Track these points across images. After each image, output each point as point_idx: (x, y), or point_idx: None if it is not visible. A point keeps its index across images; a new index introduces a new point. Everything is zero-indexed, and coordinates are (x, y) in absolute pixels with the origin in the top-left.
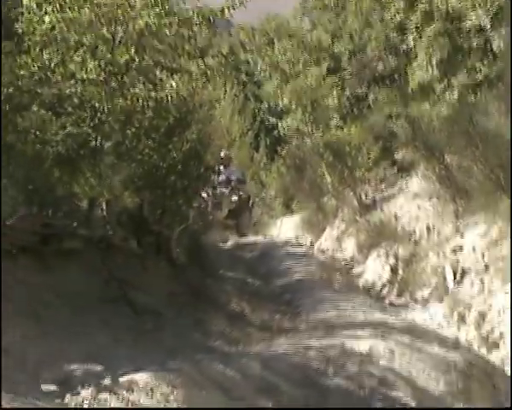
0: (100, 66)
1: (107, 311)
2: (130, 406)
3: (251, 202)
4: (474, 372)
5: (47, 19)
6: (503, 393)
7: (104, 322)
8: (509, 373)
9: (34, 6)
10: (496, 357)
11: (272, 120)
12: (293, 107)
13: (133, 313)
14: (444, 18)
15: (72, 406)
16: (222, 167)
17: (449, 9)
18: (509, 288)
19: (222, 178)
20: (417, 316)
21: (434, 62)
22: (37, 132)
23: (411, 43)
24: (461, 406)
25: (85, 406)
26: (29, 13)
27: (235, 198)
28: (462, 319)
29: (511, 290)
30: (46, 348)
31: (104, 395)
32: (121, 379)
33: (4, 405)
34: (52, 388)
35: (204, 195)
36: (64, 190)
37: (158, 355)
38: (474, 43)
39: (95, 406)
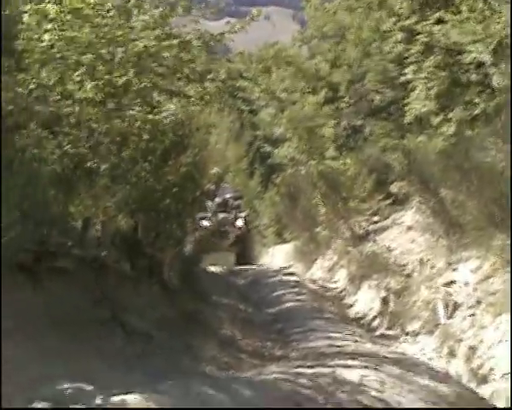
0: (98, 86)
1: (98, 332)
2: None
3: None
4: (463, 406)
5: (46, 37)
6: None
7: (95, 343)
8: (497, 407)
9: (34, 24)
10: (485, 391)
11: (267, 148)
12: (289, 135)
13: (124, 335)
14: (444, 51)
15: None
16: (213, 186)
17: (449, 43)
18: (499, 322)
19: (217, 200)
20: (408, 348)
21: (432, 95)
22: (34, 150)
23: (410, 76)
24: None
25: None
26: (29, 30)
27: (240, 223)
28: (452, 352)
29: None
30: (37, 368)
31: None
32: (112, 400)
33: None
34: (43, 406)
35: (205, 223)
36: (59, 209)
37: (148, 378)
38: (473, 78)
39: None
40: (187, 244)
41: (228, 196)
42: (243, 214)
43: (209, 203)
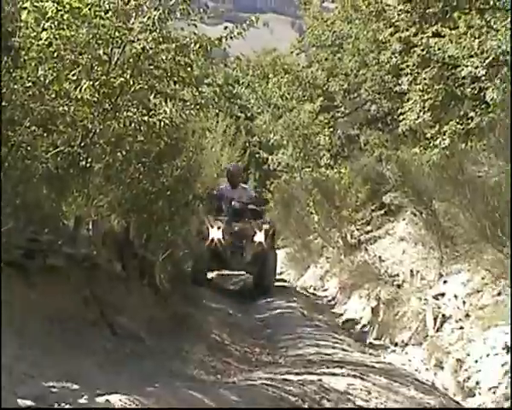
0: (94, 86)
1: (87, 331)
2: None
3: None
4: None
5: (44, 35)
6: None
7: (83, 342)
8: None
9: (32, 21)
10: (471, 405)
11: (263, 154)
12: (284, 142)
13: (113, 336)
14: (439, 64)
15: None
16: (228, 186)
17: (445, 56)
18: (487, 336)
19: (234, 204)
20: (396, 359)
21: (427, 107)
22: (28, 148)
23: (405, 86)
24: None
25: None
26: (26, 28)
27: (260, 238)
28: (439, 364)
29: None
30: (24, 366)
31: None
32: (97, 400)
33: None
34: (28, 403)
35: (216, 234)
36: (51, 208)
37: (136, 380)
38: (468, 92)
39: None
40: (189, 260)
41: (247, 200)
42: (266, 226)
43: (223, 208)
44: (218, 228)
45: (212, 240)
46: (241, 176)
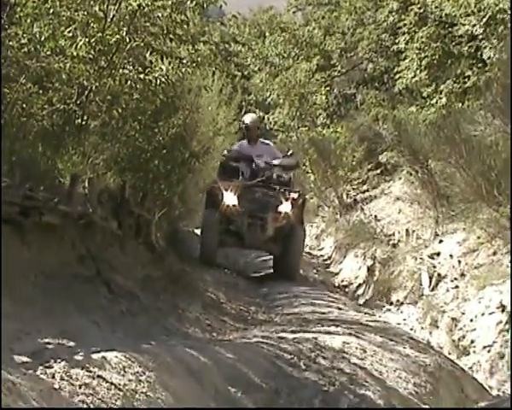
0: (90, 44)
1: (82, 289)
2: (100, 382)
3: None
4: (443, 376)
5: None
6: (469, 398)
7: (79, 300)
8: (477, 379)
9: None
10: (465, 363)
11: (259, 113)
12: (281, 101)
13: (108, 293)
14: (436, 23)
15: (44, 378)
16: (245, 143)
17: (442, 15)
18: (482, 295)
19: (257, 164)
20: (391, 317)
21: (423, 66)
22: (24, 105)
23: (402, 45)
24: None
25: (57, 379)
26: None
27: (286, 208)
28: (434, 323)
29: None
30: (20, 324)
31: (76, 371)
32: (93, 356)
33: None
34: (24, 359)
35: (230, 199)
36: (47, 165)
37: (131, 337)
38: (465, 50)
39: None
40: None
41: (274, 161)
42: (294, 195)
43: (242, 168)
44: (234, 192)
45: (227, 207)
46: (260, 129)
